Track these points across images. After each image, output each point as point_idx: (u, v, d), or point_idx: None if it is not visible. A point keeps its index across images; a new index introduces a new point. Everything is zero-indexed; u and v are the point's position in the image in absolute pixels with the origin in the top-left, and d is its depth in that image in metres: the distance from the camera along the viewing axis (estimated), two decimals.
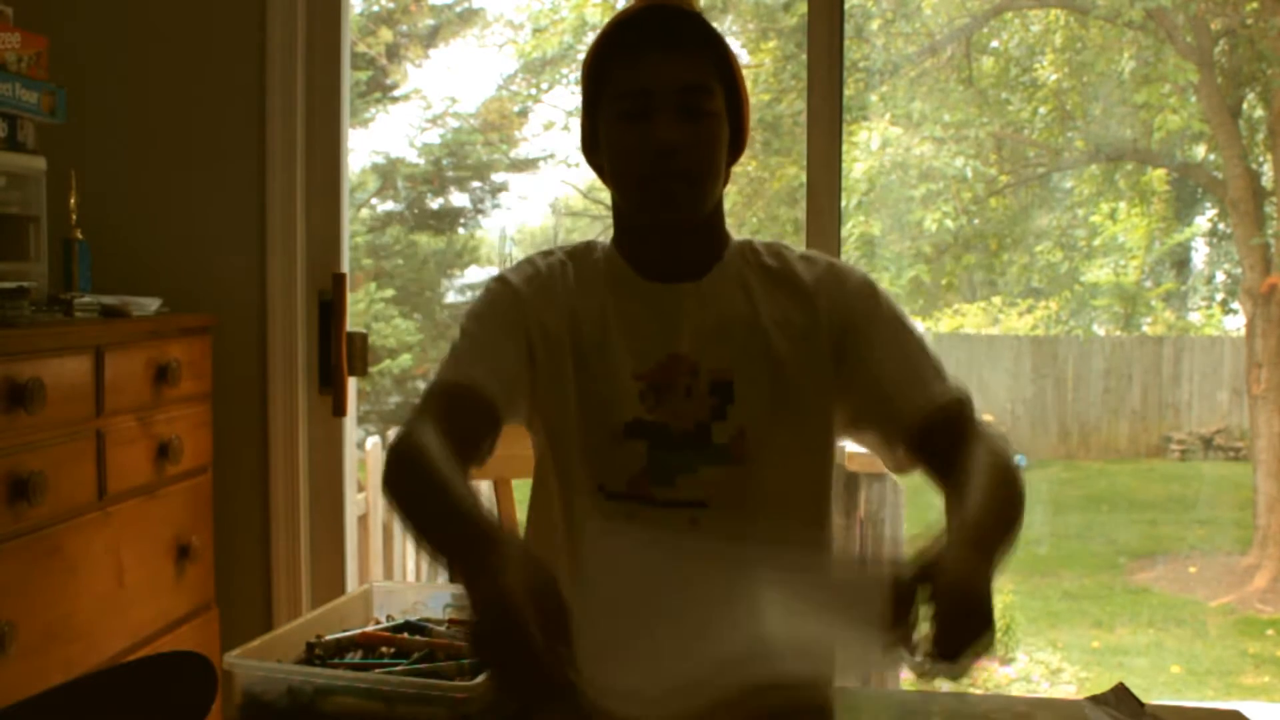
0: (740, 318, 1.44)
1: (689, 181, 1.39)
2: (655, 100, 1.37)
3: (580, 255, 1.51)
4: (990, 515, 1.18)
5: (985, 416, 1.40)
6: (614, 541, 1.18)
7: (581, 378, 1.43)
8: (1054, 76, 6.37)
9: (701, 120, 1.39)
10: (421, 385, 7.39)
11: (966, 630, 1.04)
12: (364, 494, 4.19)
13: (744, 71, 1.47)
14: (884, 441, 1.42)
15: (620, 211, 1.49)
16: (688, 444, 1.40)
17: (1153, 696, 1.44)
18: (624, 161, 1.41)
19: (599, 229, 7.13)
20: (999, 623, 1.07)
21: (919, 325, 1.45)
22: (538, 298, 1.45)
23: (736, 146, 1.47)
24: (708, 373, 1.42)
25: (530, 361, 1.42)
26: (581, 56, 1.49)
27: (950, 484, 1.29)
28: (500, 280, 1.48)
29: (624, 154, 1.41)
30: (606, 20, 1.46)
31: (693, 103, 1.38)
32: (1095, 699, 1.16)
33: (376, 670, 1.13)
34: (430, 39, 7.37)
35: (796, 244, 1.56)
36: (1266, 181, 6.11)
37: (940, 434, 1.35)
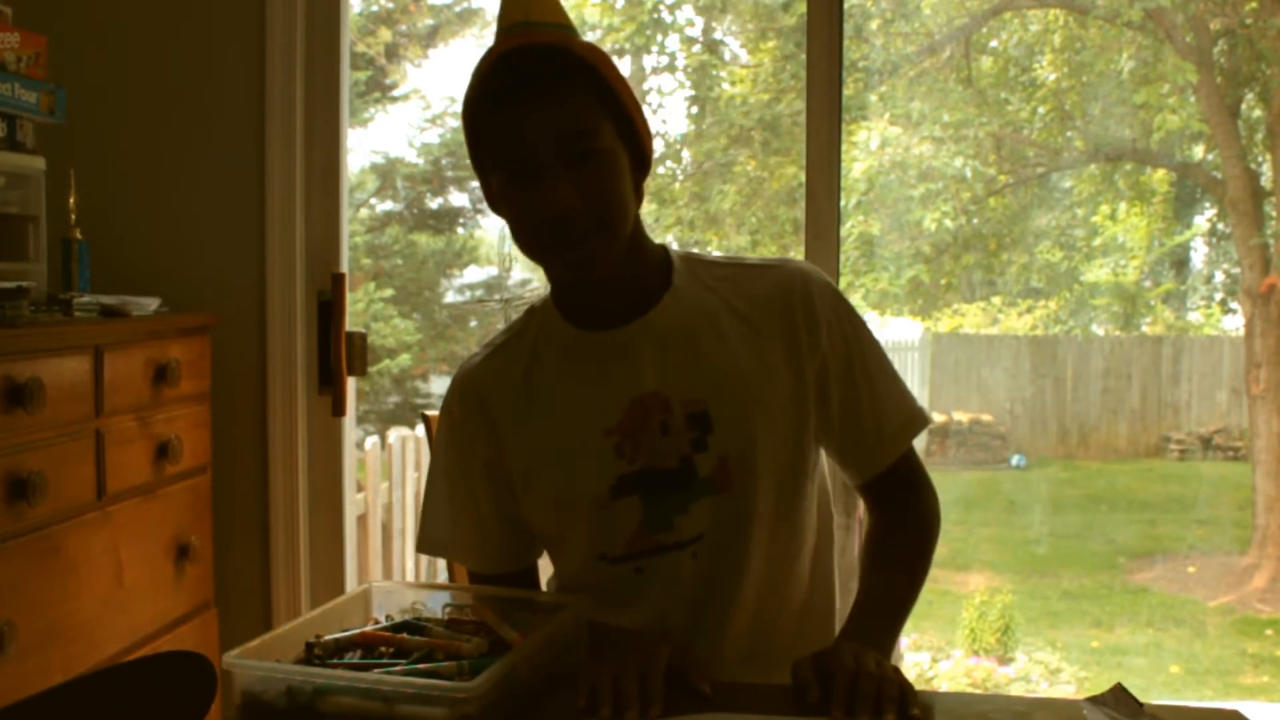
0: (706, 344, 1.39)
1: (597, 235, 1.30)
2: (537, 158, 1.27)
3: (512, 343, 1.46)
4: (879, 606, 1.39)
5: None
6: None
7: (547, 473, 1.41)
8: (1053, 76, 6.37)
9: (591, 163, 1.29)
10: (420, 385, 7.40)
11: (868, 682, 1.14)
12: (363, 494, 4.19)
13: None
14: (840, 466, 1.51)
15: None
16: (677, 482, 1.37)
17: (1152, 696, 1.44)
18: (524, 233, 1.33)
19: None
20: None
21: (876, 332, 1.49)
22: (479, 434, 1.44)
23: (642, 163, 1.37)
24: (681, 405, 1.37)
25: (509, 494, 1.45)
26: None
27: (862, 563, 1.48)
28: (443, 430, 1.48)
29: (521, 226, 1.32)
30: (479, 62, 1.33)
31: (577, 148, 1.27)
32: (1094, 699, 1.16)
33: (376, 670, 1.13)
34: (429, 39, 7.37)
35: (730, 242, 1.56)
36: (1266, 181, 6.11)
37: (885, 483, 1.48)
